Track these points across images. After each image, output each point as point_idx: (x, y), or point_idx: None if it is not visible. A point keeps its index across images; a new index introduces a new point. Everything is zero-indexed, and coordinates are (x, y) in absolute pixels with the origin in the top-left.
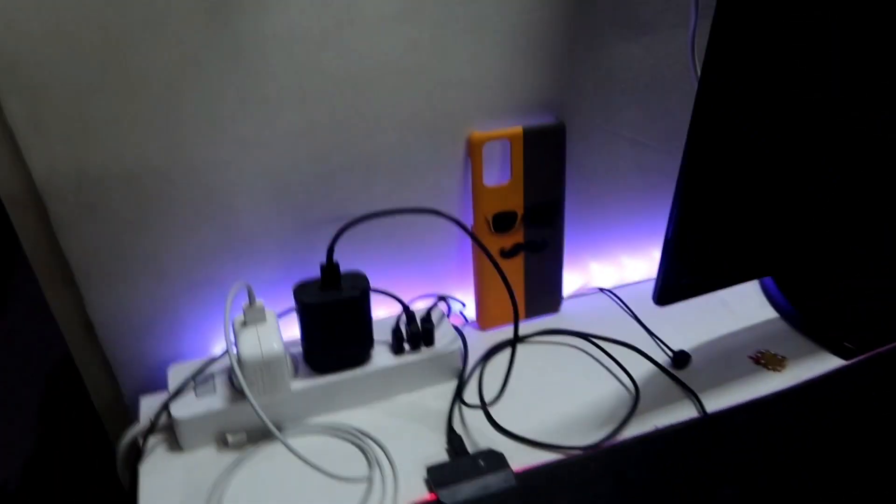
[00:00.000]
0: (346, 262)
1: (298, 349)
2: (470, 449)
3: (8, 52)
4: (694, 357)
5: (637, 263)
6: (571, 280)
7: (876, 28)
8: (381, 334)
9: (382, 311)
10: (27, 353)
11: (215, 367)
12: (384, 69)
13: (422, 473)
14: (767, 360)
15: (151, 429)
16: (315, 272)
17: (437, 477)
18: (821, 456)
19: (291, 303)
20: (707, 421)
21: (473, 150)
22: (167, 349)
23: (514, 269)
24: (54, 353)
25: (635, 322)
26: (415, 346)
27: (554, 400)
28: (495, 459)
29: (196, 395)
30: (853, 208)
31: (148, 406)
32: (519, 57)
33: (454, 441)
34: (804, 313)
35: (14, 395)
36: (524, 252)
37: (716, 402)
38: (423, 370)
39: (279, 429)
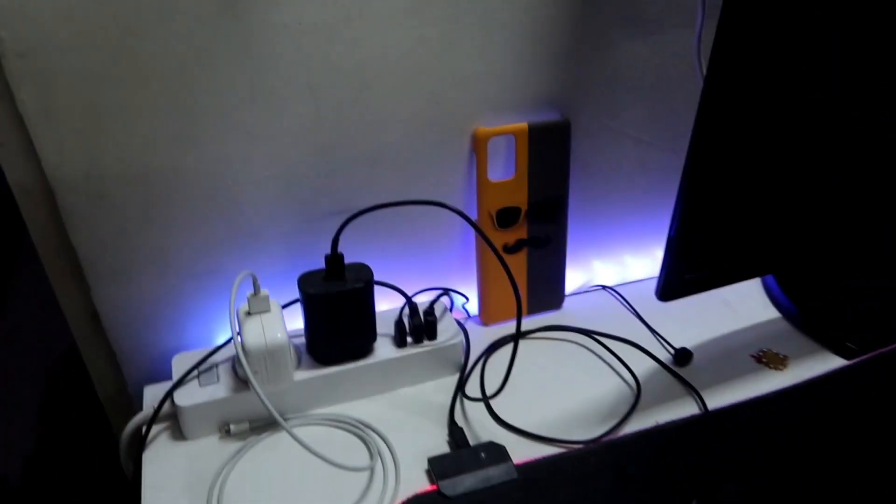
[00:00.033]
0: (351, 254)
1: (302, 341)
2: (471, 441)
3: (21, 38)
4: (696, 355)
5: (640, 262)
6: (574, 277)
7: (878, 30)
8: (384, 327)
9: (386, 305)
10: (30, 348)
11: (219, 357)
12: (391, 63)
13: (423, 465)
14: (769, 359)
15: (155, 417)
16: (319, 265)
17: (438, 468)
18: (822, 454)
19: (295, 294)
20: (708, 417)
21: (479, 145)
22: (172, 339)
23: (517, 264)
24: (57, 349)
25: (637, 320)
26: (417, 340)
27: (555, 395)
28: (496, 452)
29: (199, 384)
30: (854, 208)
31: (152, 396)
32: (526, 54)
33: (456, 433)
34: (806, 313)
35: (17, 390)
36: (527, 248)
37: (717, 399)
38: (425, 363)
39: (279, 424)
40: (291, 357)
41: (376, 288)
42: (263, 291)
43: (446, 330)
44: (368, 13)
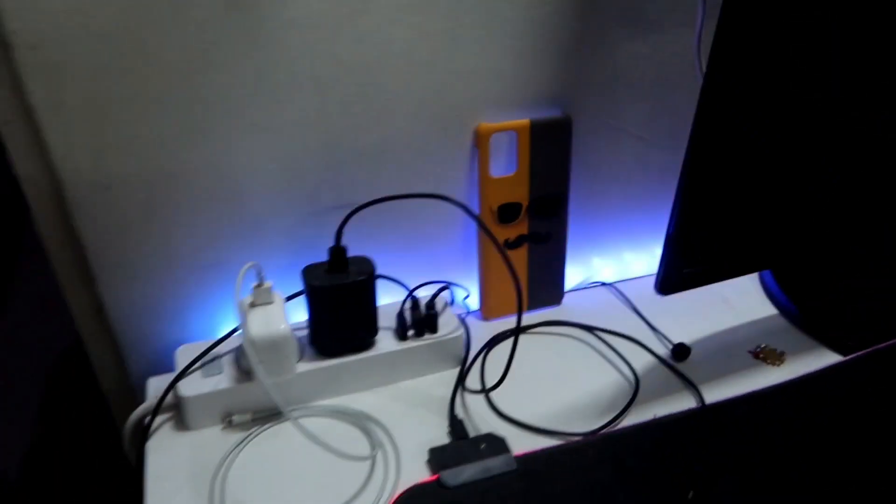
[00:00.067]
0: (353, 248)
1: (304, 334)
2: (471, 433)
3: (33, 31)
4: (694, 350)
5: (639, 259)
6: (574, 274)
7: (878, 29)
8: (386, 320)
9: (387, 299)
10: (30, 347)
11: (222, 349)
12: (396, 58)
13: (424, 455)
14: (766, 355)
15: (159, 407)
16: (322, 259)
17: (439, 458)
18: (817, 448)
19: (298, 288)
20: (705, 411)
21: (481, 141)
22: (175, 331)
23: (518, 260)
24: (57, 348)
25: (636, 316)
26: (419, 333)
27: (555, 388)
28: (496, 443)
29: (203, 374)
30: (853, 208)
31: (156, 387)
32: (528, 51)
33: (456, 425)
34: (805, 313)
35: (17, 388)
36: (528, 243)
37: (715, 394)
38: (426, 356)
39: (282, 412)
40: (294, 349)
41: (378, 282)
42: (267, 283)
43: (447, 324)
44: (373, 8)
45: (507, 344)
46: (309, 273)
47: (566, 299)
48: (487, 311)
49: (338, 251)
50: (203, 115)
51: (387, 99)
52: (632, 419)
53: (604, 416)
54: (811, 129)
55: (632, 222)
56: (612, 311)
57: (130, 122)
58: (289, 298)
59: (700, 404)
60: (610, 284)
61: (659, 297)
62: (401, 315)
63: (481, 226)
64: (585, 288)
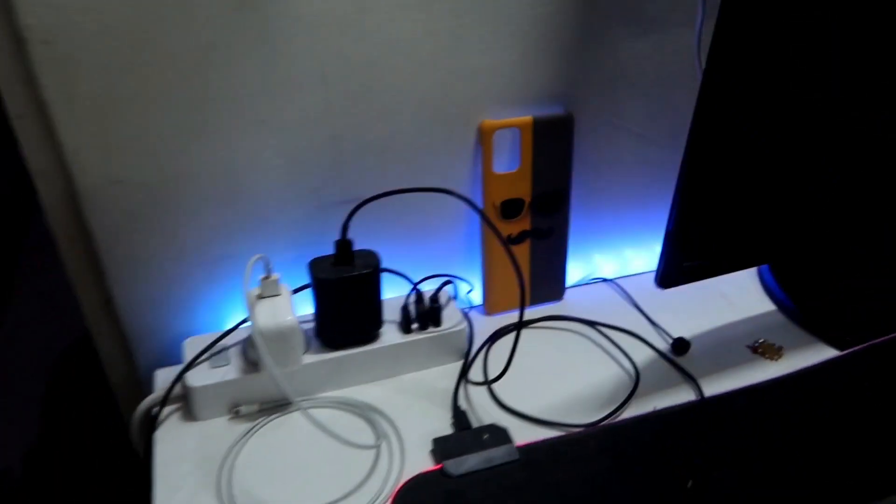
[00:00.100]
0: (359, 242)
1: (311, 326)
2: (474, 424)
3: (46, 26)
4: (694, 345)
5: (639, 256)
6: (575, 271)
7: (877, 29)
8: (391, 314)
9: (392, 293)
10: (34, 344)
11: (229, 340)
12: (400, 56)
13: (428, 446)
14: (765, 350)
15: (167, 397)
16: (328, 252)
17: (442, 448)
18: (814, 442)
19: (303, 281)
20: (704, 404)
21: (484, 138)
22: (183, 324)
23: (521, 255)
24: (60, 346)
25: (637, 311)
26: (423, 326)
27: (556, 381)
28: (499, 434)
29: (210, 365)
30: (853, 208)
31: (163, 379)
32: (531, 49)
33: (459, 416)
34: (805, 313)
35: (21, 385)
36: (530, 239)
37: (714, 387)
38: (430, 349)
39: (290, 401)
40: (301, 340)
41: (383, 275)
42: (274, 275)
43: (451, 317)
44: (380, 6)
45: (510, 338)
46: (315, 266)
47: (567, 295)
48: (490, 305)
49: (344, 244)
50: (211, 110)
51: (391, 96)
52: (632, 411)
53: (604, 408)
54: (809, 128)
55: (632, 219)
56: (612, 307)
57: (141, 118)
58: (295, 291)
59: (699, 397)
60: (611, 280)
61: (659, 293)
62: (405, 308)
63: (485, 220)
64: (587, 284)
